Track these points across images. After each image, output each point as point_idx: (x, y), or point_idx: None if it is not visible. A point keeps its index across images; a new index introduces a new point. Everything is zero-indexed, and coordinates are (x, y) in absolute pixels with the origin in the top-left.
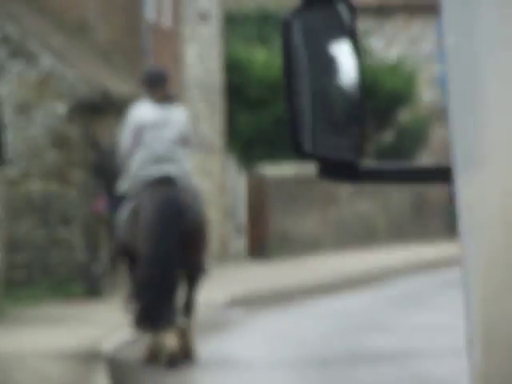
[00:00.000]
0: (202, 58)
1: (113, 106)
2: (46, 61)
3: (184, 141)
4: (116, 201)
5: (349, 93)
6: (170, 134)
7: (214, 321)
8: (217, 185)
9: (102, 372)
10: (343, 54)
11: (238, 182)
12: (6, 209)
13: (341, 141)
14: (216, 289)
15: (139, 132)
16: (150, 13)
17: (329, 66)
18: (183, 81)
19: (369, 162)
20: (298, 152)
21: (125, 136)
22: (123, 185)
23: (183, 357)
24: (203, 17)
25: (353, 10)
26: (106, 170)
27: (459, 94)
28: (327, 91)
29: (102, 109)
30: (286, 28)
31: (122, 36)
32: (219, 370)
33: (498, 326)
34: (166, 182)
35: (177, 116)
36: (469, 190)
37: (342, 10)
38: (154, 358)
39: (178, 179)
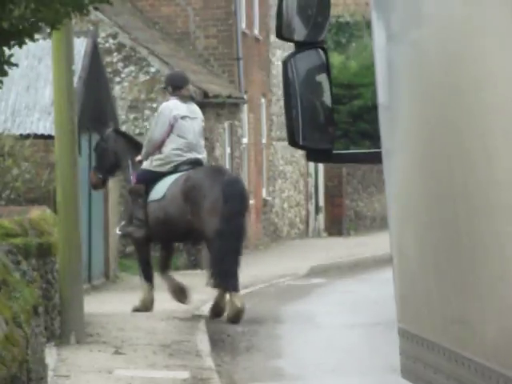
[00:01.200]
0: None
1: (211, 104)
2: (154, 66)
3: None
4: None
5: (324, 105)
6: (198, 127)
7: (299, 287)
8: (300, 171)
9: (202, 330)
10: (322, 80)
11: (318, 169)
12: (120, 189)
13: (320, 136)
14: (299, 260)
15: (174, 123)
16: (241, 23)
17: (312, 88)
18: (271, 83)
19: (338, 150)
20: (292, 145)
21: (159, 126)
22: (151, 164)
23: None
24: None
25: (326, 51)
26: (108, 150)
27: (385, 98)
28: (311, 105)
29: (201, 107)
30: (285, 65)
31: (218, 44)
32: (303, 327)
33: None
34: (200, 165)
35: (198, 112)
36: (388, 172)
37: (320, 52)
38: (218, 314)
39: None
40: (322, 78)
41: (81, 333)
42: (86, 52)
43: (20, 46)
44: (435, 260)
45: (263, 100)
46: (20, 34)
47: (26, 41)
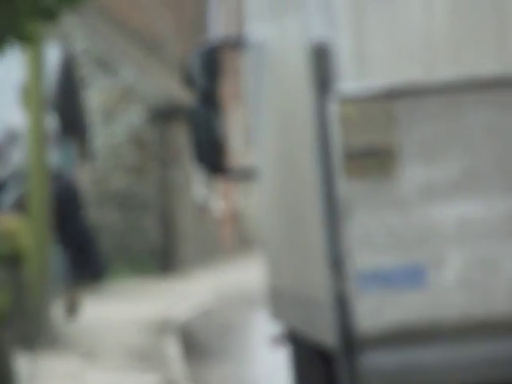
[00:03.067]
0: None
1: (183, 112)
2: (127, 73)
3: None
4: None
5: (216, 136)
6: None
7: None
8: None
9: (172, 335)
10: (216, 124)
11: None
12: (93, 199)
13: (214, 155)
14: None
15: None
16: (215, 29)
17: (209, 130)
18: (242, 91)
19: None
20: (199, 165)
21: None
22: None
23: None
24: None
25: (218, 103)
26: None
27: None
28: (211, 142)
29: (173, 115)
30: (189, 113)
31: (191, 51)
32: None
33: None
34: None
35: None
36: (259, 192)
37: (214, 103)
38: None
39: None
40: (217, 123)
41: (52, 337)
42: (60, 61)
43: None
44: (282, 241)
45: (236, 107)
46: None
47: None
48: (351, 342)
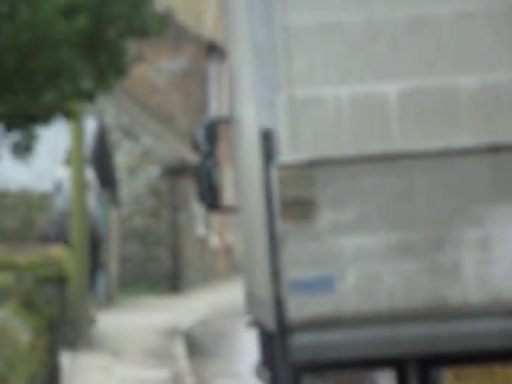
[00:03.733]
0: None
1: (189, 170)
2: (146, 139)
3: None
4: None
5: (213, 184)
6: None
7: None
8: None
9: (180, 340)
10: (214, 176)
11: None
12: (120, 235)
13: (215, 200)
14: None
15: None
16: (213, 109)
17: (210, 180)
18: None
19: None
20: (201, 203)
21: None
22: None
23: None
24: None
25: (216, 161)
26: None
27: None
28: (205, 184)
29: (182, 172)
30: (196, 168)
31: (196, 124)
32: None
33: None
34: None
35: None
36: (241, 218)
37: (213, 161)
38: None
39: None
40: (214, 174)
41: (88, 340)
42: (95, 130)
43: (42, 126)
44: (251, 259)
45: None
46: (45, 118)
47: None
48: (283, 327)
